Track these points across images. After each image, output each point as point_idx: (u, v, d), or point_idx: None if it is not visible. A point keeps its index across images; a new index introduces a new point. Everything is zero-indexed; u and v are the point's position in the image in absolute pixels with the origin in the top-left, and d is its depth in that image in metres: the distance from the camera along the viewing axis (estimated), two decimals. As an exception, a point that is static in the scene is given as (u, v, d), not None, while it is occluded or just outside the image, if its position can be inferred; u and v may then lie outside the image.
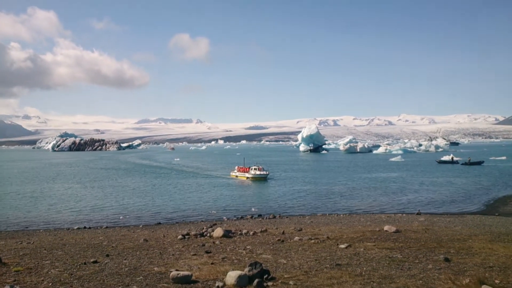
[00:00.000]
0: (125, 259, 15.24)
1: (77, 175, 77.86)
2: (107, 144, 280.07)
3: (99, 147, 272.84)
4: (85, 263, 14.37)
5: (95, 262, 14.56)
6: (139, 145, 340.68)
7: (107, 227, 29.41)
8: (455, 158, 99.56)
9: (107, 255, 16.18)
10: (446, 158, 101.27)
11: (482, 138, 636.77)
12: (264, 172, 63.48)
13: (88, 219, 33.33)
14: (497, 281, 10.92)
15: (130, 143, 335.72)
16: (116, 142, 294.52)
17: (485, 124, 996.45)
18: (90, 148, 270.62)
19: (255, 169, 63.79)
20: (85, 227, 29.62)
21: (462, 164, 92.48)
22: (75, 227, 29.51)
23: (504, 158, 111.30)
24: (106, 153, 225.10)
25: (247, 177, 63.66)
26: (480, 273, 11.80)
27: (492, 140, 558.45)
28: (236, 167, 70.86)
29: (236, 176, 67.46)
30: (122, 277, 12.29)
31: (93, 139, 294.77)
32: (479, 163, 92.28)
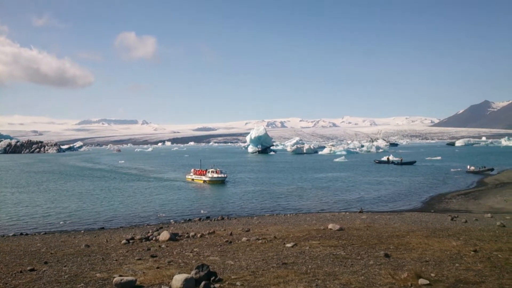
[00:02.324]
0: (65, 266, 14.59)
1: (14, 179, 73.29)
2: (46, 146, 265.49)
3: (37, 150, 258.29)
4: (21, 272, 13.62)
5: (32, 270, 13.83)
6: (80, 147, 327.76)
7: (45, 233, 27.89)
8: (393, 158, 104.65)
9: (46, 263, 15.41)
10: (384, 158, 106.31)
11: (419, 139, 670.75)
12: (222, 175, 61.27)
13: (25, 225, 31.45)
14: (432, 275, 11.59)
15: (71, 145, 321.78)
16: (56, 144, 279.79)
17: (421, 126, 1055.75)
18: (28, 150, 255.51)
19: (212, 171, 61.36)
20: (21, 234, 27.90)
21: (395, 164, 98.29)
22: (11, 234, 27.74)
23: (439, 158, 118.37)
24: (45, 155, 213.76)
25: (204, 180, 61.01)
26: (417, 267, 12.45)
27: (428, 141, 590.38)
28: (192, 170, 67.24)
29: (192, 179, 64.26)
30: (61, 284, 11.77)
31: (30, 141, 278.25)
32: (411, 163, 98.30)
